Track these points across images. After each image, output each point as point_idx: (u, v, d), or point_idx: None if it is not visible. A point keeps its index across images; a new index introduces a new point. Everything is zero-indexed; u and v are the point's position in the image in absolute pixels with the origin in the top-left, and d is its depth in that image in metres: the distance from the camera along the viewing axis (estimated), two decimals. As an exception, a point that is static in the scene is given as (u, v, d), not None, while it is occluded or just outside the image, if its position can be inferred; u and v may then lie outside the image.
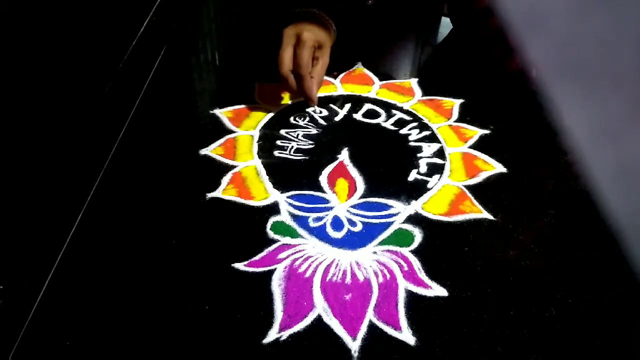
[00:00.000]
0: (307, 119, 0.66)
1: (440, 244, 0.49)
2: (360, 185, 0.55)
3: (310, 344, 0.40)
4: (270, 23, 0.71)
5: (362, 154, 0.60)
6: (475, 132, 0.64)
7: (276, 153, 0.60)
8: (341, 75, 0.75)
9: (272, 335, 0.40)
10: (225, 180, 0.55)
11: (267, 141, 0.62)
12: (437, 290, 0.44)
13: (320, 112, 0.67)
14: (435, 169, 0.58)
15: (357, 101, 0.70)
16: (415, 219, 0.51)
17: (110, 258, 0.47)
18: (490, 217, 0.52)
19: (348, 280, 0.45)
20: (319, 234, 0.49)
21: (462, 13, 0.80)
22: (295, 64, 0.63)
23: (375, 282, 0.45)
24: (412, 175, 0.57)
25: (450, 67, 0.80)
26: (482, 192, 0.55)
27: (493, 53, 0.73)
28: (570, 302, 0.43)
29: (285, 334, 0.40)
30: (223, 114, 0.66)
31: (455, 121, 0.66)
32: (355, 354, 0.39)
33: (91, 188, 0.53)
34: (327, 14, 0.67)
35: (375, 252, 0.47)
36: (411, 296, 0.44)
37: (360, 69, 0.77)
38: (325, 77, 0.73)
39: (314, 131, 0.64)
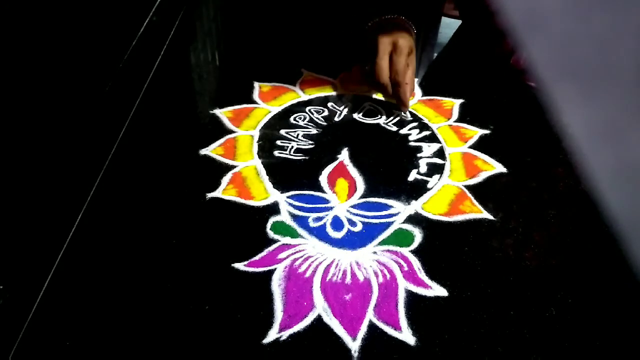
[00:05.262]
0: (307, 119, 0.66)
1: (440, 244, 0.49)
2: (360, 185, 0.55)
3: (310, 344, 0.40)
4: (352, 29, 0.73)
5: (362, 154, 0.60)
6: (475, 132, 0.64)
7: (276, 153, 0.60)
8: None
9: (272, 335, 0.40)
10: (225, 180, 0.55)
11: (267, 141, 0.62)
12: (437, 290, 0.44)
13: (323, 112, 0.67)
14: (435, 169, 0.58)
15: (357, 101, 0.70)
16: (415, 219, 0.51)
17: (110, 258, 0.47)
18: (490, 217, 0.52)
19: (348, 280, 0.45)
20: (319, 234, 0.49)
21: (471, 10, 0.81)
22: (393, 71, 0.64)
23: (375, 282, 0.45)
24: (412, 175, 0.57)
25: (450, 67, 0.80)
26: (482, 192, 0.55)
27: (500, 50, 0.74)
28: (570, 302, 0.43)
29: (285, 334, 0.40)
30: (223, 114, 0.66)
31: (455, 121, 0.66)
32: (355, 354, 0.39)
33: (91, 188, 0.53)
34: (409, 19, 0.68)
35: (375, 252, 0.47)
36: (411, 296, 0.44)
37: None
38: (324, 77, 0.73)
39: (314, 131, 0.64)
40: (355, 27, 0.71)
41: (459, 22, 0.89)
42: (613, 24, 0.12)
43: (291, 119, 0.66)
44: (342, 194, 0.54)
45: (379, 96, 0.70)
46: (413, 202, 0.53)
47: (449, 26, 0.89)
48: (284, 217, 0.51)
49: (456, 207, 0.53)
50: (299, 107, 0.68)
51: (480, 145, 0.62)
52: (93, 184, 0.53)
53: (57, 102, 0.53)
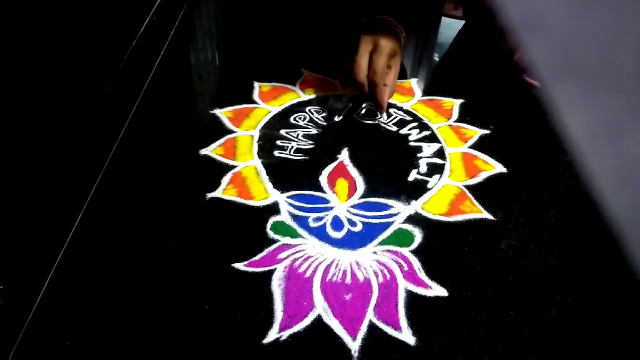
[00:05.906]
0: (307, 119, 0.66)
1: (440, 244, 0.49)
2: (360, 185, 0.55)
3: (310, 344, 0.40)
4: (343, 29, 0.73)
5: (362, 154, 0.60)
6: (475, 132, 0.64)
7: (276, 153, 0.60)
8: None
9: (272, 335, 0.40)
10: (225, 180, 0.55)
11: (267, 141, 0.62)
12: (437, 290, 0.44)
13: (322, 112, 0.67)
14: (435, 169, 0.58)
15: (357, 101, 0.70)
16: (415, 219, 0.51)
17: (110, 258, 0.47)
18: (490, 217, 0.52)
19: (348, 280, 0.45)
20: (319, 234, 0.49)
21: (475, 9, 0.81)
22: (371, 71, 0.63)
23: (375, 282, 0.45)
24: (412, 175, 0.57)
25: (450, 67, 0.80)
26: (482, 192, 0.55)
27: (503, 48, 0.73)
28: (570, 302, 0.43)
29: (285, 334, 0.40)
30: (223, 114, 0.66)
31: (455, 121, 0.66)
32: (355, 354, 0.39)
33: (91, 188, 0.53)
34: (398, 21, 0.67)
35: (375, 252, 0.47)
36: (411, 296, 0.44)
37: None
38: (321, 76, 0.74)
39: (314, 131, 0.64)
40: (347, 26, 0.71)
41: (459, 22, 0.89)
42: (613, 24, 0.12)
43: (291, 119, 0.66)
44: (342, 194, 0.54)
45: (346, 92, 0.70)
46: (413, 202, 0.53)
47: (449, 26, 0.89)
48: (284, 217, 0.51)
49: (456, 207, 0.53)
50: (299, 107, 0.68)
51: (480, 145, 0.62)
52: (93, 184, 0.53)
53: (57, 102, 0.53)
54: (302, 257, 0.47)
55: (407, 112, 0.68)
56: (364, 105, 0.69)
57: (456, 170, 0.58)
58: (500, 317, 0.42)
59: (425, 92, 0.72)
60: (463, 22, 0.89)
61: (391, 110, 0.68)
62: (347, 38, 0.70)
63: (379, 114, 0.67)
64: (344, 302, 0.43)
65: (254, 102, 0.69)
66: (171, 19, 0.84)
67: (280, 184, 0.55)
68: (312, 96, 0.70)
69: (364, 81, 0.64)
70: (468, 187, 0.55)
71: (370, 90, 0.64)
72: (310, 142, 0.62)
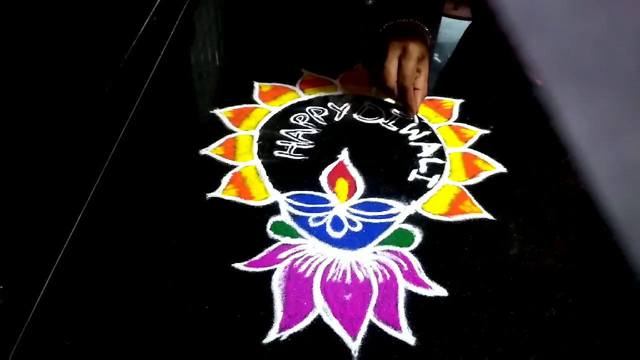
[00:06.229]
0: (307, 119, 0.66)
1: (440, 244, 0.49)
2: (360, 185, 0.55)
3: (310, 344, 0.40)
4: (369, 33, 0.72)
5: (362, 154, 0.60)
6: (475, 132, 0.64)
7: (276, 153, 0.60)
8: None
9: (272, 335, 0.40)
10: (225, 180, 0.55)
11: (267, 141, 0.62)
12: (437, 290, 0.44)
13: (323, 112, 0.67)
14: (435, 169, 0.58)
15: (357, 101, 0.70)
16: (415, 219, 0.51)
17: (110, 258, 0.47)
18: (490, 217, 0.52)
19: (348, 280, 0.45)
20: (319, 234, 0.49)
21: (481, 9, 0.81)
22: (401, 76, 0.63)
23: (375, 282, 0.45)
24: (412, 175, 0.57)
25: (451, 67, 0.80)
26: (482, 192, 0.55)
27: (510, 46, 0.74)
28: (570, 302, 0.43)
29: (285, 334, 0.40)
30: (223, 114, 0.66)
31: (455, 121, 0.66)
32: (355, 354, 0.39)
33: (91, 188, 0.53)
34: (425, 24, 0.66)
35: (375, 252, 0.47)
36: (411, 296, 0.44)
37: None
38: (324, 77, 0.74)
39: (314, 131, 0.64)
40: (370, 30, 0.70)
41: (459, 22, 0.89)
42: (613, 24, 0.12)
43: (291, 119, 0.66)
44: (342, 194, 0.54)
45: (379, 96, 0.70)
46: (413, 202, 0.53)
47: (449, 26, 0.89)
48: (284, 217, 0.51)
49: (456, 207, 0.53)
50: (299, 107, 0.68)
51: (480, 145, 0.62)
52: (93, 184, 0.53)
53: (57, 102, 0.53)
54: (302, 257, 0.47)
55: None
56: (364, 105, 0.69)
57: (456, 170, 0.58)
58: (500, 317, 0.42)
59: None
60: (462, 22, 0.89)
61: (391, 110, 0.68)
62: (370, 41, 0.69)
63: (381, 116, 0.67)
64: (344, 302, 0.43)
65: (254, 102, 0.69)
66: (171, 19, 0.84)
67: (280, 184, 0.55)
68: (312, 96, 0.70)
69: (394, 86, 0.63)
70: (468, 187, 0.55)
71: (401, 94, 0.64)
72: (310, 142, 0.62)
